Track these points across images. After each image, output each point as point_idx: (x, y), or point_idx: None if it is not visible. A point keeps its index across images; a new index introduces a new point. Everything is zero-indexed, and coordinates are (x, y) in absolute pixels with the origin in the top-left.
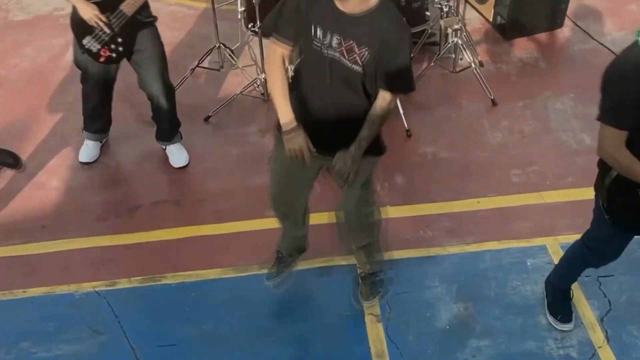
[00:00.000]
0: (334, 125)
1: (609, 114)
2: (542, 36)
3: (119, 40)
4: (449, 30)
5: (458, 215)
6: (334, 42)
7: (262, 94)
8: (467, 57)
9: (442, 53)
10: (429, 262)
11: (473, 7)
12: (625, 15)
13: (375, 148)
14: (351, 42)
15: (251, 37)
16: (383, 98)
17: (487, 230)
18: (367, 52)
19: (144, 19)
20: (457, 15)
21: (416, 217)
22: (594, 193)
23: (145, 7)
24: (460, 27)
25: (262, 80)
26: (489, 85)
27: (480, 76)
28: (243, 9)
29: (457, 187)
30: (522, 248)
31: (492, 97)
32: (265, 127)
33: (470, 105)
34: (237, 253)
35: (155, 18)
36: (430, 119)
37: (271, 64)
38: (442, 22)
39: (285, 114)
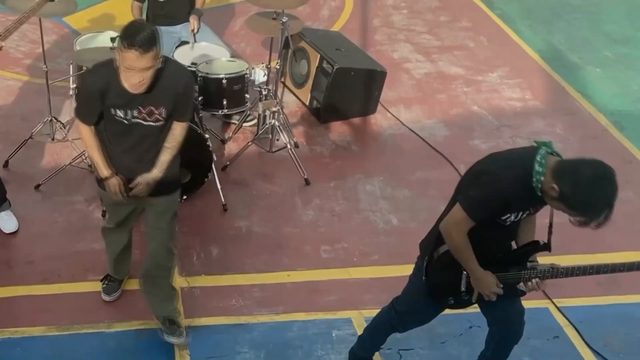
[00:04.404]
0: (143, 170)
1: (470, 202)
2: (356, 121)
3: None
4: (267, 112)
5: (269, 287)
6: (135, 113)
7: (89, 165)
8: (283, 138)
9: (259, 134)
10: (240, 330)
11: (291, 91)
12: (434, 104)
13: (177, 183)
14: (149, 107)
15: None
16: (181, 127)
17: (295, 302)
18: (164, 110)
19: None
20: (276, 99)
21: (229, 287)
22: (416, 260)
23: None
24: (278, 109)
25: None
26: (302, 165)
27: (294, 156)
28: (75, 85)
29: (268, 260)
30: (328, 320)
31: (305, 177)
32: (90, 196)
33: (284, 183)
34: (61, 313)
35: None
36: (246, 194)
37: (84, 137)
38: (260, 105)
39: (104, 167)
